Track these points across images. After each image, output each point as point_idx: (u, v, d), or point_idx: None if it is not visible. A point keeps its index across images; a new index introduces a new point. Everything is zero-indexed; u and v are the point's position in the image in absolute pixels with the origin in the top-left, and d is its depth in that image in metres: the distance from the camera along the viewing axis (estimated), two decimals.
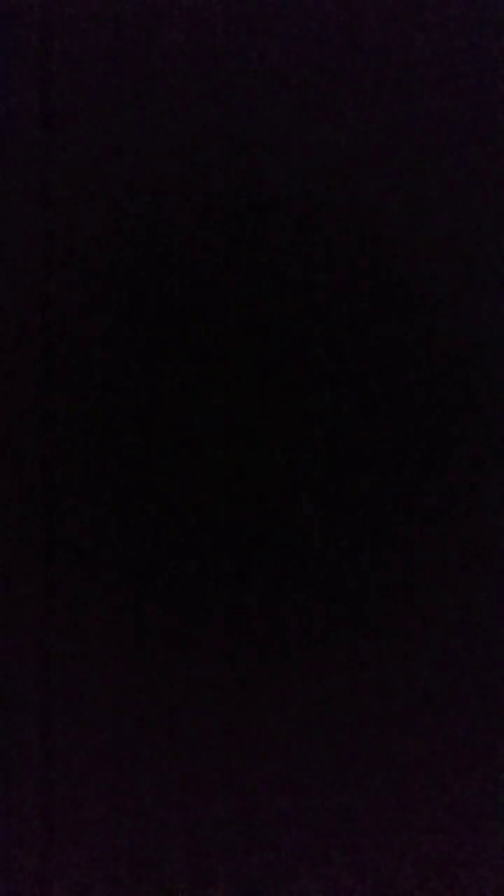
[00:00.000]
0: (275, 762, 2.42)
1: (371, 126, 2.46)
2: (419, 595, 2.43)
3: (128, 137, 2.48)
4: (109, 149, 2.47)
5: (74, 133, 2.47)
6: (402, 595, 2.43)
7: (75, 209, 2.47)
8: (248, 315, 2.46)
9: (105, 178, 2.47)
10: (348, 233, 2.46)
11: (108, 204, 2.47)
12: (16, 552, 2.45)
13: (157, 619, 2.44)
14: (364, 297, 2.45)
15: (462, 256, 2.46)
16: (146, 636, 2.43)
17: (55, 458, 2.46)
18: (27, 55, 2.47)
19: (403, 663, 2.42)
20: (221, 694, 2.43)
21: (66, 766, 2.43)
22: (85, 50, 2.47)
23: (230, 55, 2.46)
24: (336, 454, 2.44)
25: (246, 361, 2.46)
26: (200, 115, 2.47)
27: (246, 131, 2.46)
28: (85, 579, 2.44)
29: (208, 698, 2.43)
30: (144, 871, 2.42)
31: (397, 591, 2.43)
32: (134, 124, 2.47)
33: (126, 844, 2.43)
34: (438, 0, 2.45)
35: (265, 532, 2.44)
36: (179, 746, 2.43)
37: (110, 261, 2.47)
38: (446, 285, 2.46)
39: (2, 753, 2.44)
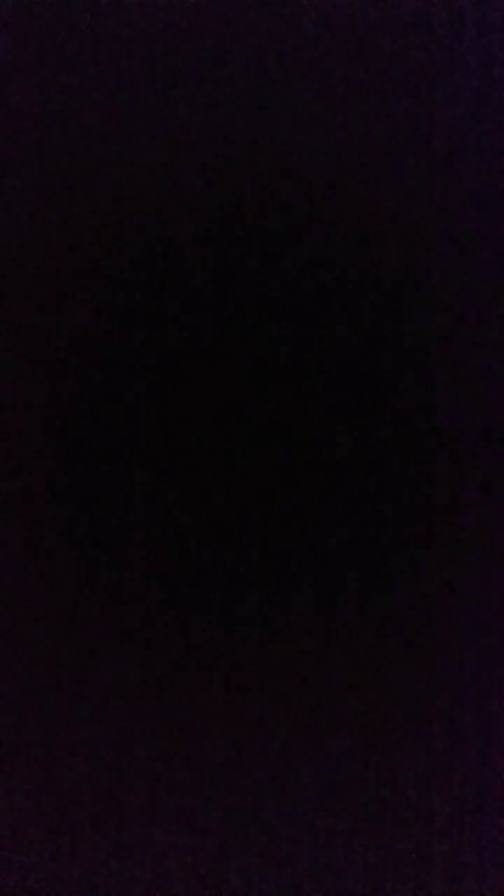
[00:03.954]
0: (274, 762, 2.43)
1: (372, 126, 2.46)
2: (422, 592, 2.43)
3: (126, 135, 2.48)
4: (108, 145, 2.48)
5: (72, 129, 2.48)
6: (404, 593, 2.43)
7: (73, 207, 2.48)
8: (248, 312, 2.46)
9: (102, 176, 2.47)
10: (348, 230, 2.46)
11: (105, 201, 2.47)
12: (15, 546, 2.46)
13: (156, 617, 2.44)
14: (364, 294, 2.45)
15: (463, 255, 2.46)
16: (145, 633, 2.44)
17: (54, 455, 2.46)
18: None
19: (406, 663, 2.42)
20: (218, 690, 2.43)
21: (64, 764, 2.44)
22: (85, 48, 2.48)
23: (231, 54, 2.47)
24: (336, 453, 2.44)
25: (246, 356, 2.46)
26: (200, 114, 2.47)
27: (247, 129, 2.47)
28: (83, 574, 2.45)
29: (208, 696, 2.43)
30: (143, 869, 2.43)
31: (399, 590, 2.43)
32: (131, 122, 2.48)
33: (125, 843, 2.43)
34: (440, 1, 2.45)
35: (265, 530, 2.44)
36: (178, 744, 2.44)
37: (108, 257, 2.47)
38: (447, 283, 2.46)
39: (1, 751, 2.45)
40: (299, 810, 2.42)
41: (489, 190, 2.46)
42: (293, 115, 2.47)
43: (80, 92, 2.49)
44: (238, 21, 2.47)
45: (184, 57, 2.48)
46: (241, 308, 2.46)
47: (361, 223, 2.46)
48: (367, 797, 2.42)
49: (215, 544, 2.45)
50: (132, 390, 2.47)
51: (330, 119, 2.46)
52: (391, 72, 2.46)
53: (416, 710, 2.42)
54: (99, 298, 2.48)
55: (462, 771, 2.42)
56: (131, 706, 2.44)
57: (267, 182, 2.47)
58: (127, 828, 2.44)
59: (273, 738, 2.43)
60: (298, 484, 2.44)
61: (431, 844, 2.41)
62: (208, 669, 2.44)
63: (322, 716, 2.43)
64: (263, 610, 2.44)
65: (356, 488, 2.44)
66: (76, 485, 2.46)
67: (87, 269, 2.48)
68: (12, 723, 2.45)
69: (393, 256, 2.46)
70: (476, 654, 2.43)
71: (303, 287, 2.46)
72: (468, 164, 2.47)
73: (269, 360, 2.46)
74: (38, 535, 2.46)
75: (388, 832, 2.42)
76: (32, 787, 2.45)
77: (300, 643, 2.43)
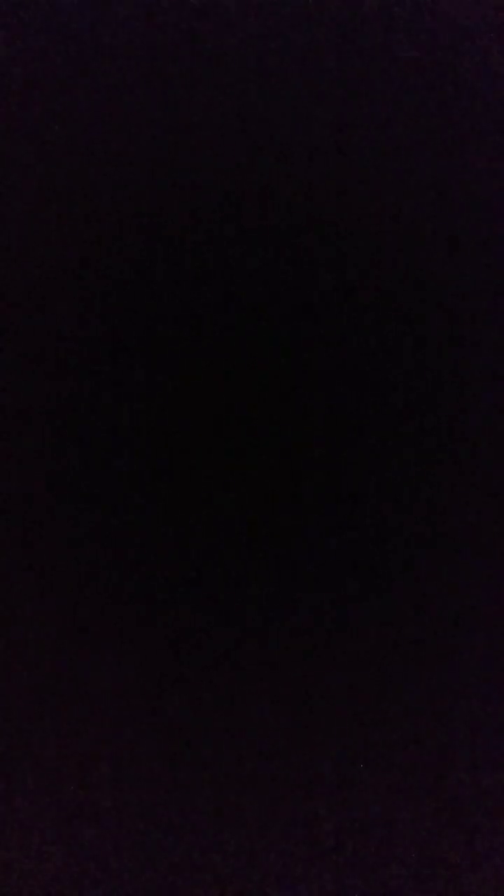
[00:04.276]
0: (274, 761, 2.42)
1: (371, 126, 2.46)
2: (420, 593, 2.43)
3: (125, 134, 2.48)
4: (107, 145, 2.47)
5: (71, 128, 2.48)
6: (403, 594, 2.43)
7: (73, 207, 2.47)
8: (248, 313, 2.46)
9: (102, 176, 2.47)
10: (348, 230, 2.46)
11: (106, 201, 2.47)
12: (13, 544, 2.45)
13: (155, 615, 2.44)
14: (365, 294, 2.45)
15: (463, 255, 2.46)
16: (144, 632, 2.43)
17: (53, 454, 2.46)
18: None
19: (405, 663, 2.42)
20: (220, 691, 2.43)
21: (64, 763, 2.43)
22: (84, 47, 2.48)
23: (231, 53, 2.47)
24: (336, 453, 2.44)
25: (246, 358, 2.46)
26: (199, 114, 2.47)
27: (246, 129, 2.46)
28: (81, 574, 2.45)
29: (207, 695, 2.43)
30: (143, 869, 2.42)
31: (398, 591, 2.43)
32: (131, 122, 2.48)
33: (124, 843, 2.43)
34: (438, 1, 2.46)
35: (265, 530, 2.44)
36: (178, 743, 2.43)
37: (108, 257, 2.47)
38: (447, 283, 2.46)
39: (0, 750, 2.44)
40: (299, 810, 2.42)
41: (489, 189, 2.46)
42: (293, 114, 2.46)
43: (79, 90, 2.49)
44: (238, 19, 2.47)
45: (183, 55, 2.48)
46: (241, 308, 2.46)
47: (361, 223, 2.46)
48: (367, 796, 2.42)
49: (215, 545, 2.45)
50: (132, 391, 2.46)
51: (330, 118, 2.46)
52: (391, 71, 2.46)
53: (415, 710, 2.42)
54: (99, 299, 2.48)
55: (462, 771, 2.42)
56: (131, 706, 2.44)
57: (266, 182, 2.47)
58: (127, 828, 2.43)
59: (273, 738, 2.43)
60: (298, 484, 2.44)
61: (432, 845, 2.41)
62: (208, 670, 2.44)
63: (322, 716, 2.42)
64: (264, 610, 2.44)
65: (356, 489, 2.44)
66: (76, 485, 2.46)
67: (87, 268, 2.47)
68: (12, 723, 2.45)
69: (393, 256, 2.46)
70: (476, 655, 2.43)
71: (302, 287, 2.46)
72: (468, 164, 2.47)
73: (269, 360, 2.46)
74: (38, 535, 2.46)
75: (388, 831, 2.42)
76: (32, 787, 2.45)
77: (300, 643, 2.43)
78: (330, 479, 2.44)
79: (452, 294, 2.46)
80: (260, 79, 2.47)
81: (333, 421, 2.44)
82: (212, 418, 2.46)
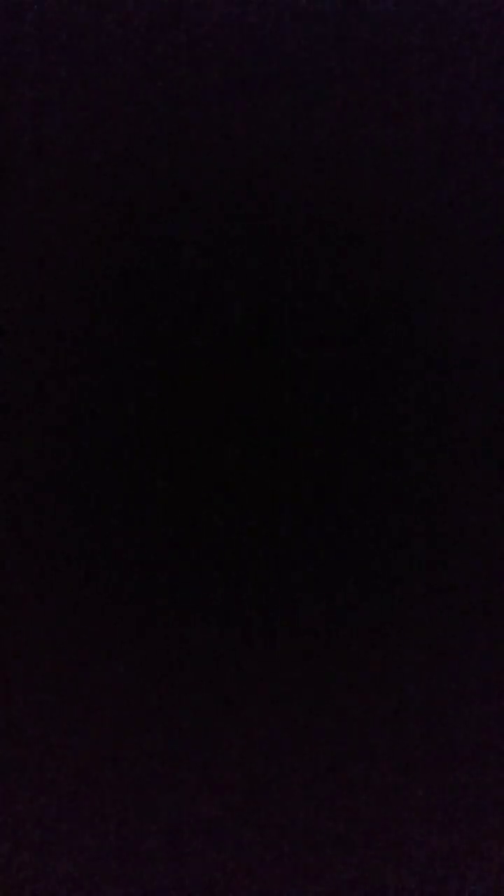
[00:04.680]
0: (272, 761, 2.42)
1: (371, 126, 2.46)
2: (420, 592, 2.43)
3: (123, 136, 2.48)
4: (106, 147, 2.47)
5: (71, 131, 2.47)
6: (403, 592, 2.43)
7: (72, 209, 2.47)
8: (246, 313, 2.46)
9: (101, 177, 2.47)
10: (347, 231, 2.46)
11: (105, 203, 2.47)
12: (11, 543, 2.45)
13: (153, 612, 2.44)
14: (364, 294, 2.45)
15: (463, 255, 2.46)
16: (143, 629, 2.44)
17: (51, 451, 2.46)
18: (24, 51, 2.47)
19: (404, 660, 2.42)
20: (218, 690, 2.43)
21: (62, 761, 2.43)
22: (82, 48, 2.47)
23: (229, 54, 2.46)
24: (336, 452, 2.44)
25: (247, 357, 2.46)
26: (198, 114, 2.47)
27: (244, 130, 2.46)
28: (80, 570, 2.45)
29: (207, 695, 2.43)
30: (140, 869, 2.43)
31: (397, 589, 2.43)
32: (129, 124, 2.47)
33: (122, 842, 2.43)
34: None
35: (265, 530, 2.44)
36: (176, 743, 2.43)
37: (108, 258, 2.47)
38: (447, 283, 2.46)
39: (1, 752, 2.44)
40: (299, 811, 2.43)
41: (489, 189, 2.46)
42: (293, 115, 2.46)
43: (80, 90, 2.48)
44: (238, 19, 2.46)
45: (185, 57, 2.48)
46: (242, 309, 2.46)
47: (361, 223, 2.46)
48: (367, 797, 2.42)
49: (215, 545, 2.45)
50: (133, 392, 2.46)
51: (330, 119, 2.46)
52: (391, 71, 2.46)
53: (415, 710, 2.42)
54: (100, 300, 2.47)
55: (463, 772, 2.42)
56: (131, 707, 2.44)
57: (267, 183, 2.47)
58: (126, 828, 2.44)
59: (273, 738, 2.43)
60: (298, 485, 2.44)
61: (433, 846, 2.42)
62: (208, 670, 2.44)
63: (322, 717, 2.43)
64: (263, 610, 2.44)
65: (356, 489, 2.44)
66: (76, 485, 2.46)
67: (88, 270, 2.47)
68: (12, 724, 2.45)
69: (393, 256, 2.46)
70: (476, 655, 2.43)
71: (303, 287, 2.46)
72: (468, 164, 2.47)
73: (269, 360, 2.46)
74: (38, 535, 2.46)
75: (389, 833, 2.42)
76: (32, 787, 2.45)
77: (300, 644, 2.43)
78: (330, 479, 2.44)
79: (453, 294, 2.46)
80: (260, 78, 2.47)
81: (333, 421, 2.44)
82: (212, 417, 2.46)
